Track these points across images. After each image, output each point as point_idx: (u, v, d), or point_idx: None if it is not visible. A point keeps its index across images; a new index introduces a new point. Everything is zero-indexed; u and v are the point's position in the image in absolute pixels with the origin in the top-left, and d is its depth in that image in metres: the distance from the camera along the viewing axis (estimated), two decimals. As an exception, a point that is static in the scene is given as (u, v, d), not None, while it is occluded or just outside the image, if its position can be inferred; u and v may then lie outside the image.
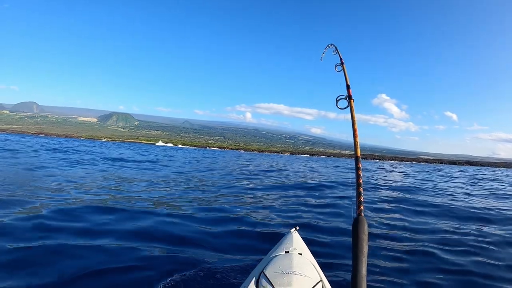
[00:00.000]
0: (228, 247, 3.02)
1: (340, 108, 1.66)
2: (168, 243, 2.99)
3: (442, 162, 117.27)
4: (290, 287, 1.13)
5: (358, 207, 1.16)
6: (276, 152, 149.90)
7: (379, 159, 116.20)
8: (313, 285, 1.17)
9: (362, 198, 1.17)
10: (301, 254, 1.51)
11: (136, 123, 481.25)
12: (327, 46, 2.31)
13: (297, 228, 1.99)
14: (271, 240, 2.84)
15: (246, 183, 8.46)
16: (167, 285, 2.11)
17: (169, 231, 3.35)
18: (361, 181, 1.22)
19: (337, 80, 1.86)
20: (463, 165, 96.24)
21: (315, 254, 1.66)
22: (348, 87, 1.78)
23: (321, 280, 1.23)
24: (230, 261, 2.66)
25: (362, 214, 1.14)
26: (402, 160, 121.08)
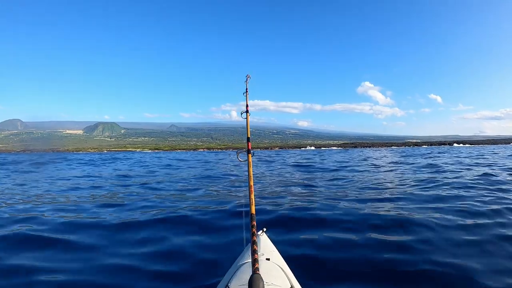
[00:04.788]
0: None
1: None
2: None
3: (431, 144, 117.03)
4: None
5: (254, 264, 0.98)
6: (265, 148, 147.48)
7: (369, 147, 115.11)
8: None
9: (257, 255, 1.01)
10: (269, 259, 1.43)
11: (122, 131, 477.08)
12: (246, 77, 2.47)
13: (265, 229, 1.87)
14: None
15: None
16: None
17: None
18: (255, 238, 1.09)
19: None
20: (452, 145, 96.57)
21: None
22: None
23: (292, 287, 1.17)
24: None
25: (258, 272, 0.94)
26: (392, 146, 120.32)
